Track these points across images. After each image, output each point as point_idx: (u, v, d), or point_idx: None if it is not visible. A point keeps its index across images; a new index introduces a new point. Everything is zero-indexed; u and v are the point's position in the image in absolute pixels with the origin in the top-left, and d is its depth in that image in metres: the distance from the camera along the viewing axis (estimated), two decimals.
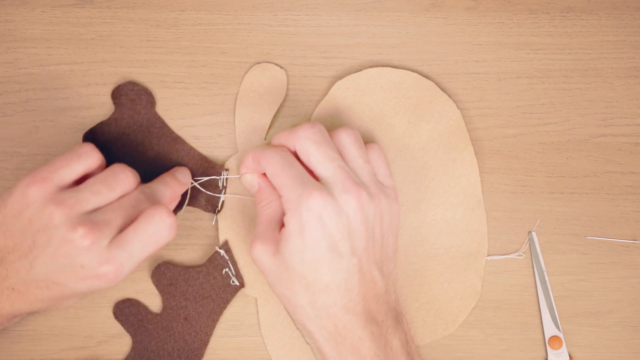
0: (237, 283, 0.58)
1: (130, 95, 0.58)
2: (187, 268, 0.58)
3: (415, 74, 0.59)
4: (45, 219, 0.48)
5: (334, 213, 0.50)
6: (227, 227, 0.58)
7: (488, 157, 0.60)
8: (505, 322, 0.59)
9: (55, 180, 0.49)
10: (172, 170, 0.56)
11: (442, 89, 0.59)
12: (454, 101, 0.59)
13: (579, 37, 0.60)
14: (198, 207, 0.58)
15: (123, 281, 0.56)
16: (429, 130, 0.59)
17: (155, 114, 0.59)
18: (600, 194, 0.60)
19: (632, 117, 0.60)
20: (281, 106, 0.60)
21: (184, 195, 0.57)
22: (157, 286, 0.58)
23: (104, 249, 0.49)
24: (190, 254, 0.58)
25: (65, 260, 0.48)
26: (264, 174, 0.55)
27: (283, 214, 0.52)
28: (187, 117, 0.59)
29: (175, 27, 0.60)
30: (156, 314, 0.58)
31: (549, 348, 0.58)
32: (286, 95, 0.60)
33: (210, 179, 0.58)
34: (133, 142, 0.58)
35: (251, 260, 0.54)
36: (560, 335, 0.58)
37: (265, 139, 0.59)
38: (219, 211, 0.58)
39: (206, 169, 0.58)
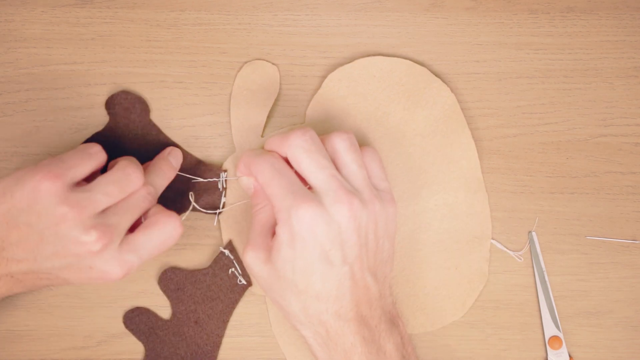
0: (244, 282, 0.58)
1: (124, 104, 0.58)
2: (193, 271, 0.58)
3: (408, 61, 0.59)
4: (56, 218, 0.48)
5: (324, 223, 0.50)
6: (230, 226, 0.58)
7: (488, 157, 0.60)
8: (505, 322, 0.59)
9: (68, 178, 0.49)
10: (166, 155, 0.56)
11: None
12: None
13: (579, 37, 0.60)
14: (197, 209, 0.58)
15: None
16: (424, 116, 0.59)
17: (150, 121, 0.59)
18: (600, 194, 0.60)
19: (632, 117, 0.60)
20: (281, 106, 0.60)
21: (186, 202, 0.57)
22: (165, 292, 0.58)
23: (115, 253, 0.49)
24: (192, 255, 0.58)
25: (74, 260, 0.49)
26: None
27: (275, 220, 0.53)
28: (186, 117, 0.59)
29: (175, 27, 0.60)
30: (166, 320, 0.58)
31: (549, 348, 0.58)
32: (286, 95, 0.60)
33: (209, 181, 0.58)
34: (129, 151, 0.58)
35: None
36: (560, 335, 0.58)
37: (262, 136, 0.59)
38: (220, 212, 0.58)
39: (203, 173, 0.58)
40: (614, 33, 0.60)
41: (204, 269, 0.58)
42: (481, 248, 0.59)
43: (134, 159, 0.53)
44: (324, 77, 0.60)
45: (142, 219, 0.52)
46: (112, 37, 0.59)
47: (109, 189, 0.50)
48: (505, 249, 0.59)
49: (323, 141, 0.53)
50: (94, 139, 0.58)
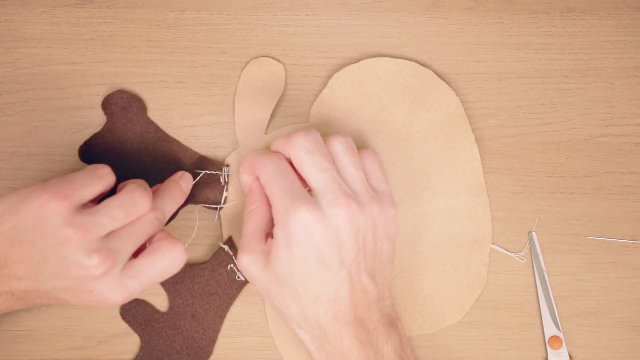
0: (242, 278, 0.58)
1: (121, 104, 0.58)
2: (192, 265, 0.58)
3: (413, 63, 0.59)
4: (60, 239, 0.47)
5: (321, 226, 0.50)
6: (231, 222, 0.58)
7: (488, 157, 0.60)
8: (505, 322, 0.59)
9: (76, 199, 0.48)
10: (176, 179, 0.55)
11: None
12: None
13: (579, 37, 0.60)
14: (198, 202, 0.58)
15: None
16: (429, 118, 0.59)
17: (148, 119, 0.59)
18: (600, 194, 0.60)
19: (632, 117, 0.60)
20: (281, 106, 0.60)
21: (189, 200, 0.57)
22: (162, 285, 0.58)
23: (116, 278, 0.49)
24: (192, 249, 0.58)
25: (74, 283, 0.48)
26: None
27: (268, 223, 0.53)
28: (187, 117, 0.59)
29: (175, 27, 0.60)
30: (163, 313, 0.58)
31: (549, 348, 0.58)
32: (286, 95, 0.60)
33: (211, 174, 0.58)
34: (129, 150, 0.58)
35: None
36: (560, 335, 0.58)
37: (265, 133, 0.59)
38: (221, 207, 0.58)
39: (205, 167, 0.58)
40: (614, 33, 0.60)
41: (203, 263, 0.58)
42: (481, 252, 0.59)
43: (143, 182, 0.52)
44: (324, 77, 0.60)
45: (147, 244, 0.52)
46: (112, 37, 0.59)
47: (115, 212, 0.49)
48: (506, 252, 0.59)
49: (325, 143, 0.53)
50: (93, 140, 0.58)
